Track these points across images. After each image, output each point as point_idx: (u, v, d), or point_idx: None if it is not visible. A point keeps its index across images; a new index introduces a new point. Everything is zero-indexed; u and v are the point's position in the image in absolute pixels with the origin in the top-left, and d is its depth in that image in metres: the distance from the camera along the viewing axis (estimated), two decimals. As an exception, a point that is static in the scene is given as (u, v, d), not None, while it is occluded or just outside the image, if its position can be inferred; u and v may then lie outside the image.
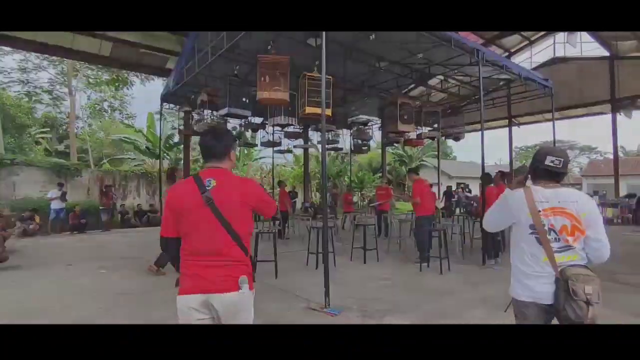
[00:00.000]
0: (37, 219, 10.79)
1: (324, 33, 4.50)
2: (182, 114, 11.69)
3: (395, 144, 19.60)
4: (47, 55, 17.56)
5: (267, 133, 12.27)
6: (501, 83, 12.02)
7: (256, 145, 13.24)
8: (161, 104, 11.18)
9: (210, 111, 9.81)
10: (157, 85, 21.15)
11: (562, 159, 1.74)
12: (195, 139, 16.79)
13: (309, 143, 14.39)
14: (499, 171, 6.62)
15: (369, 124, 13.58)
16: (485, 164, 6.74)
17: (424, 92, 13.95)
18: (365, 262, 6.44)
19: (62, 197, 11.01)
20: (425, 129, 11.55)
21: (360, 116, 12.61)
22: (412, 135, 11.05)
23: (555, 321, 1.76)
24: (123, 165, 19.40)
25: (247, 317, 1.73)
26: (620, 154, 26.69)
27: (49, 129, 24.06)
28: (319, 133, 12.98)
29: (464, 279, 5.36)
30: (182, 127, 11.85)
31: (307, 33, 6.89)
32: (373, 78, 10.48)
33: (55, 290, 4.87)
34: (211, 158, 1.78)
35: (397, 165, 28.20)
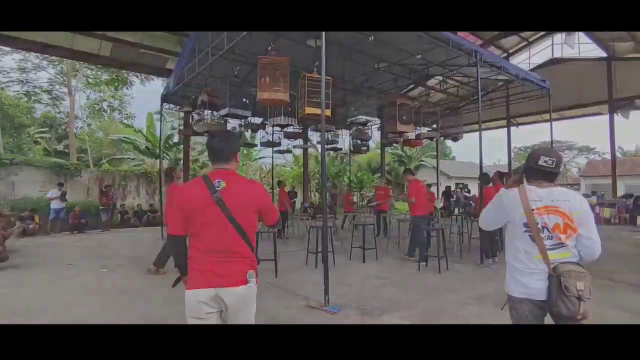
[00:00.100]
0: (37, 218, 10.81)
1: (323, 34, 4.54)
2: (182, 114, 11.72)
3: (394, 144, 19.67)
4: (46, 55, 17.55)
5: (267, 133, 12.31)
6: (500, 84, 12.08)
7: (256, 145, 13.27)
8: (161, 104, 11.21)
9: (210, 111, 9.85)
10: (157, 85, 21.19)
11: (555, 159, 1.80)
12: (194, 139, 16.86)
13: (309, 143, 14.44)
14: (497, 171, 6.69)
15: (368, 124, 13.63)
16: (484, 164, 6.81)
17: (423, 93, 14.00)
18: (364, 262, 6.49)
19: (62, 197, 11.03)
20: (424, 130, 11.62)
21: (360, 116, 12.67)
22: (411, 135, 11.11)
23: (548, 317, 1.81)
24: (122, 165, 19.42)
25: (252, 310, 1.83)
26: (618, 155, 26.85)
27: (47, 129, 24.05)
28: (318, 133, 13.04)
29: (462, 278, 5.42)
30: (182, 128, 11.88)
31: (307, 34, 6.93)
32: (372, 79, 10.53)
33: (55, 290, 4.90)
34: (219, 160, 1.86)
35: (397, 165, 28.25)
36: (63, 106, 23.69)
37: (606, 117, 14.45)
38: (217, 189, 1.75)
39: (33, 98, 22.45)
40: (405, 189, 7.03)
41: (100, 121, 25.77)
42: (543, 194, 1.79)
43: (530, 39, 15.37)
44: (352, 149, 13.74)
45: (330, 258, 5.45)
